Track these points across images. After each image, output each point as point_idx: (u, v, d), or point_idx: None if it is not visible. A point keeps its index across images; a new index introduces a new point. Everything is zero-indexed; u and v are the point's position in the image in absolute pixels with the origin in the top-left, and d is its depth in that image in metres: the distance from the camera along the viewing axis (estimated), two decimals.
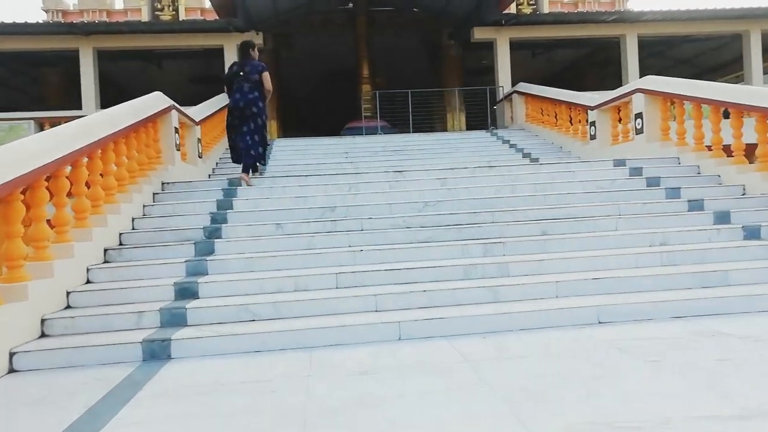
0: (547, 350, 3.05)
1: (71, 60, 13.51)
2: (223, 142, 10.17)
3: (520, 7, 18.29)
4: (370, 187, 6.21)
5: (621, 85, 17.60)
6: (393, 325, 3.45)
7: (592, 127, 9.00)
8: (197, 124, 8.34)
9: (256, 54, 6.96)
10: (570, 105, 9.79)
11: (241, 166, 6.78)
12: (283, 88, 15.78)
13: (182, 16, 18.51)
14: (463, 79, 17.26)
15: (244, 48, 6.92)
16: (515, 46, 14.51)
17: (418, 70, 18.62)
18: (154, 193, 6.00)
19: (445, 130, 16.63)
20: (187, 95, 19.39)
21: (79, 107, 12.88)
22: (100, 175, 4.91)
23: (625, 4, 20.07)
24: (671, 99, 7.28)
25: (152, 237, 5.02)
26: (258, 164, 6.95)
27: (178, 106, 7.34)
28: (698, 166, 6.40)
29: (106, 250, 4.63)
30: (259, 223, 5.18)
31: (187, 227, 5.11)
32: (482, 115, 18.73)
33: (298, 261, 4.47)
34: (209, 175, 8.88)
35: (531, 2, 19.25)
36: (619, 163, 6.67)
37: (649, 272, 4.11)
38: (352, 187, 6.19)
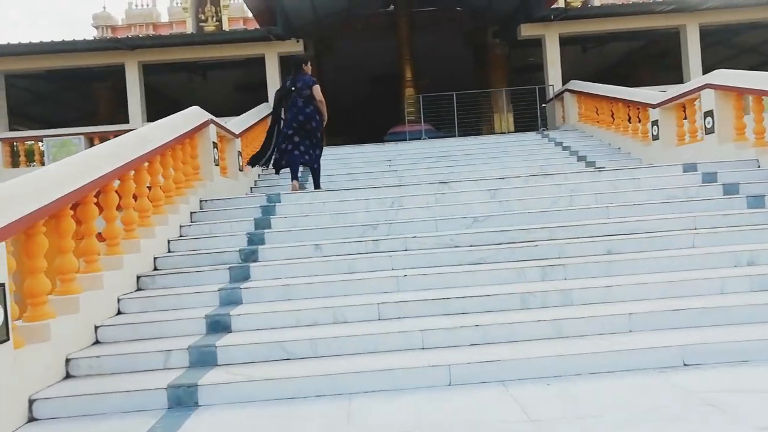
0: (626, 407, 2.58)
1: (119, 74, 13.74)
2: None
3: (569, 0, 17.55)
4: (413, 200, 5.82)
5: (680, 78, 16.72)
6: (442, 368, 3.05)
7: (655, 127, 8.31)
8: (237, 136, 8.17)
9: (308, 69, 7.16)
10: (628, 103, 9.10)
11: (282, 171, 7.29)
12: (325, 96, 15.59)
13: (225, 26, 18.69)
14: (510, 78, 16.64)
15: (296, 64, 7.12)
16: (565, 41, 13.82)
17: (461, 70, 18.09)
18: (191, 212, 5.80)
19: (492, 132, 16.06)
20: (232, 104, 19.67)
21: (128, 121, 13.07)
22: (134, 197, 4.74)
23: None
24: (746, 94, 6.57)
25: (187, 261, 4.80)
26: (313, 167, 7.23)
27: (216, 119, 7.16)
28: None
29: (139, 277, 4.42)
30: (297, 243, 4.88)
31: (223, 249, 4.85)
32: (531, 116, 18.03)
33: (338, 288, 4.13)
34: (251, 188, 8.72)
35: None
36: (690, 167, 6.03)
37: (739, 300, 3.56)
38: (395, 201, 5.82)
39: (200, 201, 6.13)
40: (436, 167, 9.33)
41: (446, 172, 8.94)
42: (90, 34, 18.96)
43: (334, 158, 10.38)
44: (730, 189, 5.39)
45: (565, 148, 9.88)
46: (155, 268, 4.74)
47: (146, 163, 4.92)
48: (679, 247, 4.42)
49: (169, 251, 5.06)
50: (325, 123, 7.18)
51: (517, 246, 4.60)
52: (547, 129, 12.42)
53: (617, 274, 4.06)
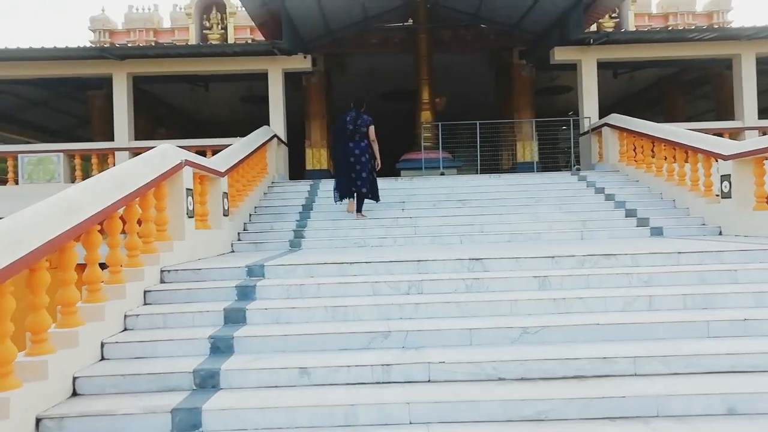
0: None
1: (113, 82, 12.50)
2: (259, 188, 8.70)
3: (601, 21, 16.16)
4: (437, 286, 4.43)
5: (725, 111, 15.32)
6: None
7: (726, 183, 6.89)
8: (223, 174, 6.82)
9: (364, 108, 7.97)
10: (688, 149, 7.68)
11: (340, 200, 8.09)
12: (335, 114, 14.26)
13: (231, 34, 17.43)
14: (535, 101, 15.26)
15: (359, 103, 7.94)
16: (597, 65, 12.43)
17: (481, 91, 16.74)
18: (146, 291, 4.43)
19: (514, 161, 14.67)
20: (239, 115, 18.47)
21: (123, 135, 11.76)
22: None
23: (725, 16, 17.48)
24: None
25: (119, 387, 3.41)
26: (372, 199, 8.06)
27: (193, 159, 5.82)
28: None
29: (39, 420, 3.04)
30: (276, 364, 3.48)
31: (170, 371, 3.44)
32: (559, 146, 16.57)
33: None
34: (239, 236, 7.35)
35: (613, 15, 17.08)
36: None
37: None
38: (413, 286, 4.43)
39: (161, 272, 4.75)
40: (457, 216, 7.93)
41: (469, 224, 7.58)
42: (87, 38, 17.76)
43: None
44: None
45: (608, 197, 8.45)
46: (75, 393, 3.36)
47: (71, 241, 3.56)
48: None
49: (101, 361, 3.68)
50: (378, 163, 8.02)
51: (590, 384, 3.20)
52: (580, 168, 10.99)
53: None
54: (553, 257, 4.80)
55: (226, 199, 6.89)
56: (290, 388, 3.31)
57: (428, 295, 4.33)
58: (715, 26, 11.02)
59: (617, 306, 4.07)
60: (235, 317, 4.05)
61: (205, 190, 6.39)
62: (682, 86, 17.55)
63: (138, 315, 4.07)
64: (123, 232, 4.40)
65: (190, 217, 5.59)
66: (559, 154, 15.48)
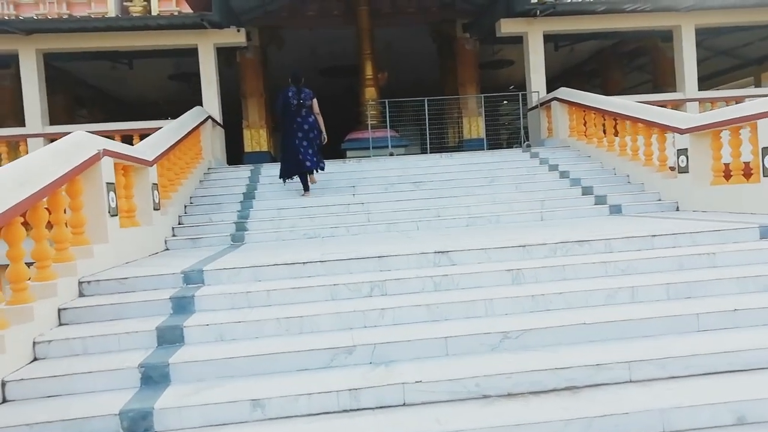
0: None
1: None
2: (195, 175, 7.94)
3: None
4: (402, 286, 3.97)
5: (662, 83, 15.55)
6: None
7: (682, 157, 6.76)
8: (152, 163, 6.05)
9: (302, 81, 7.70)
10: (644, 122, 7.51)
11: (285, 181, 7.94)
12: (273, 91, 13.41)
13: (155, 8, 16.07)
14: (479, 76, 14.96)
15: (297, 77, 7.68)
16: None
17: (425, 65, 16.27)
18: (60, 309, 3.73)
19: (460, 138, 14.34)
20: (167, 94, 17.18)
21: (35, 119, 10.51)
22: None
23: None
24: None
25: None
26: (318, 170, 7.86)
27: (114, 147, 5.06)
28: None
29: None
30: (222, 396, 2.92)
31: (90, 414, 2.81)
32: (506, 122, 16.36)
33: None
34: (173, 231, 6.62)
35: None
36: None
37: None
38: (376, 287, 3.95)
39: (80, 283, 4.05)
40: (411, 200, 7.49)
41: (424, 208, 7.17)
42: None
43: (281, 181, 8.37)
44: None
45: (563, 175, 8.23)
46: None
47: None
48: None
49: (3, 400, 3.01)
50: (324, 137, 7.81)
51: (586, 397, 2.85)
52: (530, 144, 10.77)
53: None
54: (523, 246, 4.43)
55: (156, 191, 6.14)
56: (241, 426, 2.78)
57: (394, 297, 3.87)
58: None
59: (599, 300, 3.75)
60: (170, 337, 3.45)
61: (131, 182, 5.63)
62: (620, 58, 17.75)
63: (50, 341, 3.39)
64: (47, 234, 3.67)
65: (113, 216, 4.85)
66: (505, 131, 15.31)
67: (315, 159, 7.62)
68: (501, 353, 3.25)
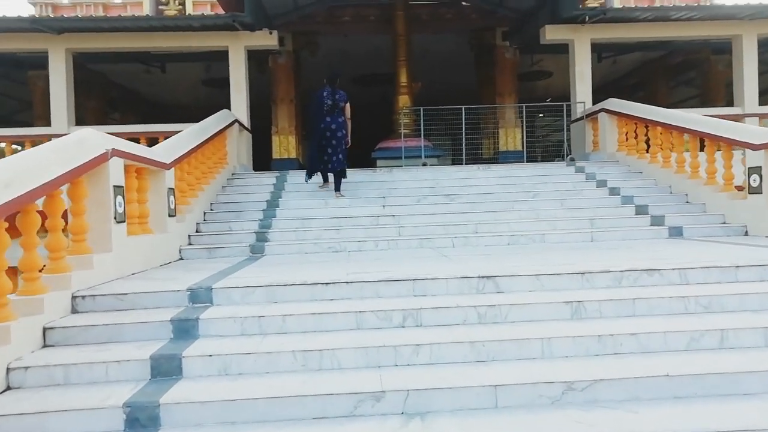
0: None
1: None
2: (217, 180, 7.51)
3: (586, 3, 15.27)
4: (440, 316, 3.38)
5: (709, 98, 14.64)
6: None
7: (755, 176, 6.01)
8: (169, 166, 5.61)
9: (337, 83, 7.52)
10: (709, 138, 6.78)
11: (314, 179, 7.74)
12: (305, 98, 13.02)
13: (190, 12, 15.94)
14: (518, 86, 14.32)
15: (334, 77, 7.52)
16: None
17: (462, 75, 15.71)
18: (45, 328, 3.25)
19: (496, 150, 13.70)
20: (199, 100, 16.98)
21: (61, 119, 10.30)
22: None
23: None
24: None
25: None
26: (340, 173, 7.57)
27: (127, 147, 4.61)
28: None
29: None
30: None
31: None
32: (543, 133, 15.60)
33: None
34: (189, 240, 6.16)
35: None
36: None
37: None
38: (410, 316, 3.37)
39: (73, 298, 3.57)
40: (446, 214, 6.89)
41: (461, 223, 6.56)
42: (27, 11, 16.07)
43: (311, 189, 7.88)
44: None
45: (612, 191, 7.52)
46: None
47: None
48: None
49: None
50: (348, 140, 7.56)
51: None
52: (574, 158, 10.07)
53: None
54: (582, 273, 3.79)
55: (172, 197, 5.69)
56: None
57: (430, 329, 3.28)
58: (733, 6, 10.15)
59: (680, 344, 3.10)
60: (166, 368, 2.92)
61: (145, 185, 5.19)
62: (666, 72, 16.89)
63: (27, 367, 2.90)
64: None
65: (119, 222, 4.39)
66: (540, 144, 14.59)
67: (341, 158, 7.40)
68: (565, 409, 2.63)
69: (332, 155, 7.34)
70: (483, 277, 3.75)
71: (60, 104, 10.11)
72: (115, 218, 4.31)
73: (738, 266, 3.86)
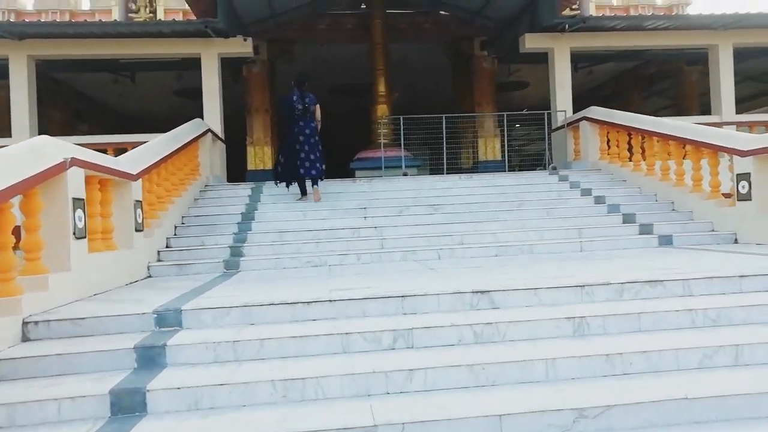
0: None
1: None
2: (189, 192, 7.15)
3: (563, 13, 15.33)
4: (434, 335, 3.11)
5: (683, 107, 14.78)
6: None
7: (743, 183, 5.91)
8: (135, 177, 5.25)
9: (306, 85, 7.39)
10: (694, 145, 6.68)
11: (292, 190, 7.59)
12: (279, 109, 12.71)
13: (161, 19, 15.53)
14: (497, 95, 14.24)
15: (302, 80, 7.38)
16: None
17: (439, 85, 15.60)
18: None
19: (476, 159, 13.57)
20: (170, 111, 16.50)
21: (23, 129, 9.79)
22: None
23: (685, 9, 17.05)
24: None
25: None
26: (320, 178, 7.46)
27: (87, 157, 4.25)
28: None
29: None
30: None
31: None
32: (522, 143, 15.55)
33: None
34: (158, 256, 5.78)
35: (574, 7, 16.28)
36: None
37: None
38: (400, 337, 3.09)
39: (24, 324, 3.19)
40: (429, 225, 6.64)
41: (445, 233, 6.32)
42: None
43: (287, 202, 7.56)
44: None
45: (598, 200, 7.37)
46: None
47: None
48: None
49: None
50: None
51: None
52: (555, 166, 9.94)
53: None
54: (582, 286, 3.56)
55: (139, 210, 5.32)
56: None
57: (424, 351, 3.00)
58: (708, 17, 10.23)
59: (693, 362, 2.87)
60: (128, 404, 2.58)
61: (109, 198, 4.81)
62: (640, 82, 17.07)
63: None
64: None
65: (79, 238, 4.02)
66: (516, 154, 14.54)
67: (319, 165, 7.28)
68: None
69: (305, 161, 7.20)
70: (477, 292, 3.48)
71: (21, 114, 9.62)
72: (74, 234, 3.94)
73: (743, 276, 3.68)
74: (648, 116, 8.08)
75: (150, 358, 2.93)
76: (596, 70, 16.11)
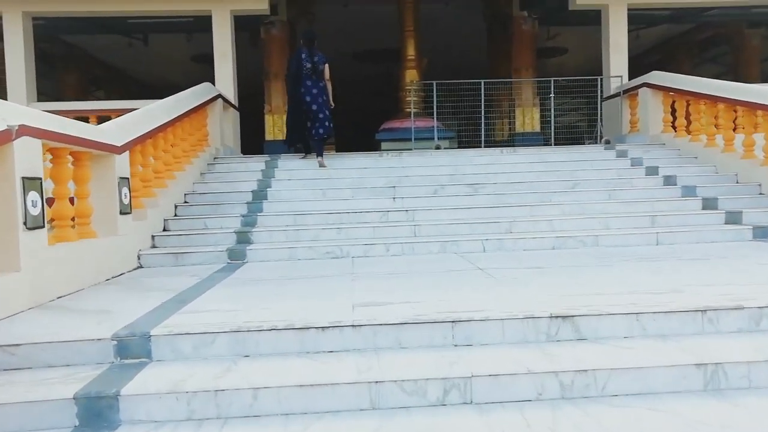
0: None
1: None
2: (195, 166, 6.27)
3: None
4: (500, 387, 2.16)
5: (744, 75, 13.28)
6: None
7: None
8: (120, 150, 4.34)
9: (315, 43, 7.11)
10: None
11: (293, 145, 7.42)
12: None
13: None
14: (536, 61, 12.96)
15: (311, 38, 7.14)
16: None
17: (472, 49, 14.32)
18: None
19: (512, 131, 12.41)
20: (188, 78, 15.61)
21: (19, 95, 9.01)
22: None
23: None
24: None
25: None
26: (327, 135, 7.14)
27: (45, 124, 3.34)
28: None
29: None
30: None
31: None
32: (568, 112, 14.26)
33: None
34: (153, 242, 4.91)
35: None
36: None
37: None
38: (454, 388, 2.14)
39: None
40: (470, 208, 5.65)
41: (490, 219, 5.33)
42: None
43: (304, 178, 6.62)
44: None
45: (668, 181, 6.27)
46: None
47: None
48: None
49: None
50: (332, 105, 7.16)
51: None
52: (609, 140, 8.76)
53: None
54: (703, 311, 2.55)
55: (126, 189, 4.42)
56: None
57: (488, 411, 2.06)
58: None
59: None
60: None
61: (85, 175, 3.93)
62: (691, 48, 15.57)
63: None
64: None
65: (32, 228, 3.13)
66: (569, 125, 13.27)
67: (327, 123, 7.02)
68: None
69: (315, 121, 6.93)
70: (556, 317, 2.51)
71: (18, 77, 8.78)
72: (25, 223, 3.05)
73: None
74: (729, 82, 6.85)
75: (97, 413, 2.05)
76: (644, 35, 14.63)
